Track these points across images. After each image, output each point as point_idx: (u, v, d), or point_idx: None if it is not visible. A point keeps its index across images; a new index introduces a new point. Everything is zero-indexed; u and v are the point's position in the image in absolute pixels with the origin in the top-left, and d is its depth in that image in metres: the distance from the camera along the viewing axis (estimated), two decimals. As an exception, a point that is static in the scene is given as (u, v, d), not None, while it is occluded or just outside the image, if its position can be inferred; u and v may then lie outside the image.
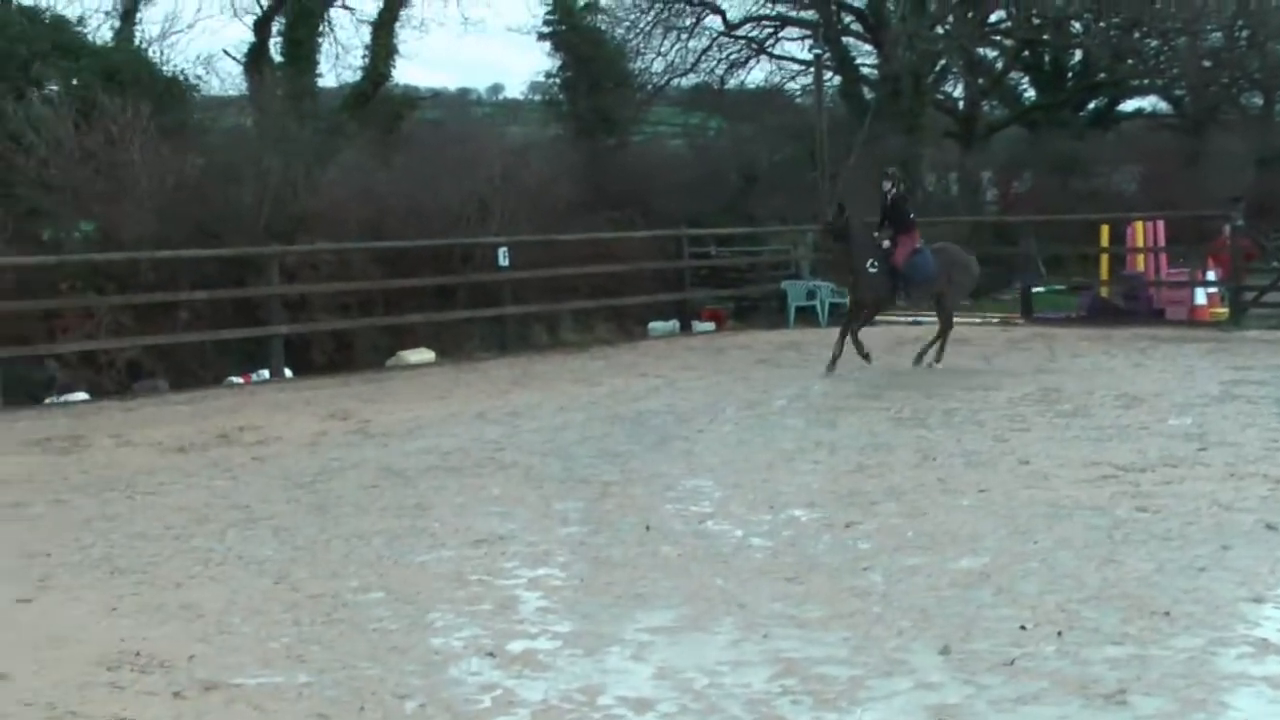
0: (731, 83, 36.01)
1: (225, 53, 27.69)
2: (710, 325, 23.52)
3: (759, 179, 29.96)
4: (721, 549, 8.53)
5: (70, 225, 19.42)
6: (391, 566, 8.33)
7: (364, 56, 26.88)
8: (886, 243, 16.56)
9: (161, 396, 16.75)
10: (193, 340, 18.09)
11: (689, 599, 7.43)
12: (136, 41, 23.36)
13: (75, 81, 21.00)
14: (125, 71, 21.29)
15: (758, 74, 36.65)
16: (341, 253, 19.72)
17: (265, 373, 18.17)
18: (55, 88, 21.09)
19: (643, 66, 33.67)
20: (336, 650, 6.73)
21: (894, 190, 16.89)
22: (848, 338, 16.51)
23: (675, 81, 35.13)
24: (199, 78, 24.87)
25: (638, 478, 10.83)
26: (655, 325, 23.09)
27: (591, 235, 22.64)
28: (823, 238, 18.45)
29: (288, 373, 18.22)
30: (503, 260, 20.55)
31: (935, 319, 17.38)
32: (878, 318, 18.20)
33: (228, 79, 27.39)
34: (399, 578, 8.06)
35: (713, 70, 35.46)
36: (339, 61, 29.28)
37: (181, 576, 8.21)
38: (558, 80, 30.44)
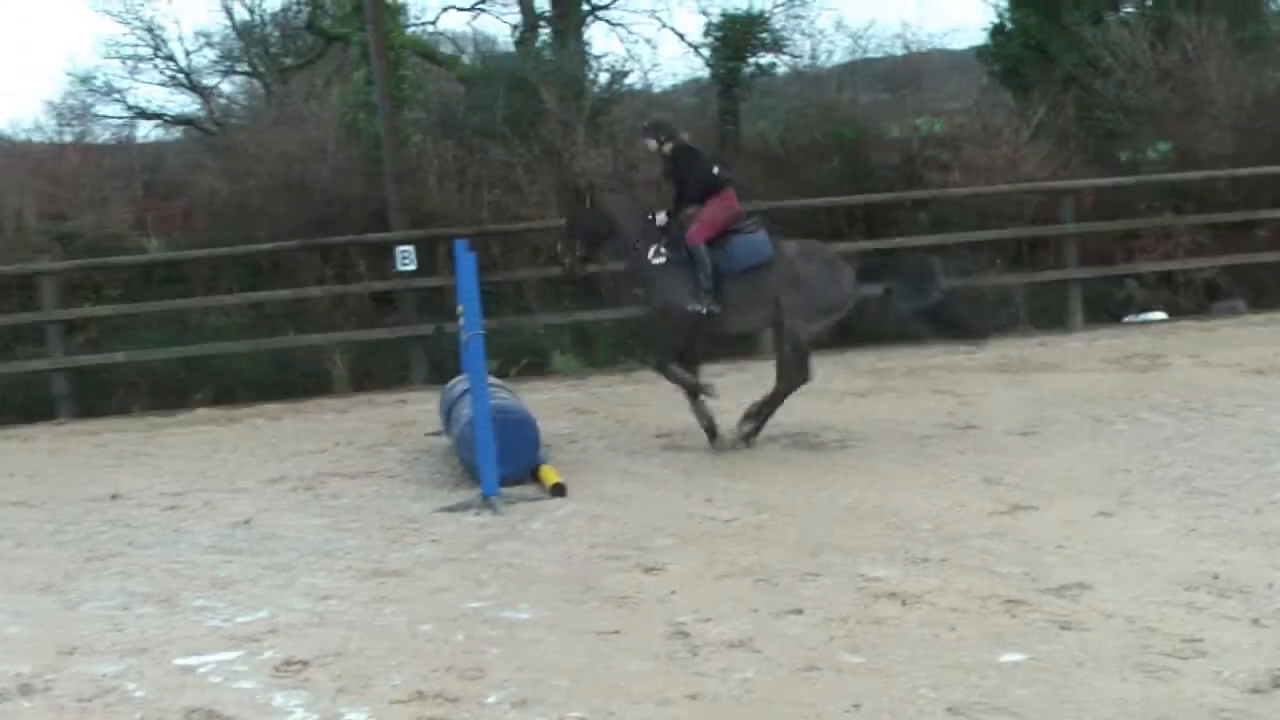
0: None
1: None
2: None
3: None
4: None
5: (1147, 145, 19.62)
6: None
7: None
8: (662, 215, 10.74)
9: (1239, 317, 16.50)
10: (1271, 260, 17.62)
11: None
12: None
13: (1149, 2, 21.10)
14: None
15: None
16: None
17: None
18: (1131, 10, 21.32)
19: None
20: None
21: (667, 146, 10.84)
22: (696, 393, 10.72)
23: None
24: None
25: None
26: None
27: None
28: (565, 244, 11.16)
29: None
30: None
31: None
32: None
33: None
34: None
35: None
36: None
37: (1261, 501, 8.10)
38: None
